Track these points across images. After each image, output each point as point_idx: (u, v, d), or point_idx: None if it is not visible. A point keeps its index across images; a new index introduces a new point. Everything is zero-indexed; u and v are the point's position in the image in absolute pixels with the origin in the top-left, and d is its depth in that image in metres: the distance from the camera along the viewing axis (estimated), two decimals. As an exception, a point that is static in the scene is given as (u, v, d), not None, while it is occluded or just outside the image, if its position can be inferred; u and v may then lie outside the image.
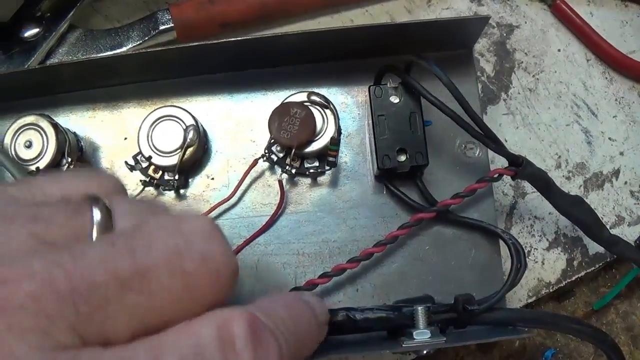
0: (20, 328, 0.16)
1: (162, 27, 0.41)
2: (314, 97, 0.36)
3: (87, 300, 0.17)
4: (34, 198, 0.21)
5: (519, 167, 0.36)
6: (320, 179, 0.38)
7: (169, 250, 0.19)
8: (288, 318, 0.24)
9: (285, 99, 0.37)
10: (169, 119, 0.36)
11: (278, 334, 0.22)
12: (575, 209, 0.39)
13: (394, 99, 0.36)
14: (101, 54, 0.41)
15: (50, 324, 0.17)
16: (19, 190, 0.21)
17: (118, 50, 0.41)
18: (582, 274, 0.42)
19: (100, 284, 0.18)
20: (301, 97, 0.37)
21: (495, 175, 0.36)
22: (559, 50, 0.45)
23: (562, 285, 0.42)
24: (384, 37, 0.37)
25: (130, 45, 0.41)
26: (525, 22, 0.46)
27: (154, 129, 0.36)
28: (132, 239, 0.19)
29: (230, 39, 0.35)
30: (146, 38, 0.41)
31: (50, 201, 0.21)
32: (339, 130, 0.37)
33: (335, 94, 0.39)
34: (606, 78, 0.45)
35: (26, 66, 0.40)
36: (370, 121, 0.36)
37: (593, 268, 0.42)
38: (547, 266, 0.41)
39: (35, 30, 0.41)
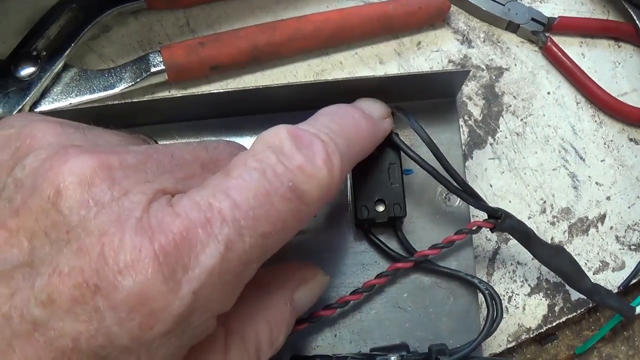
0: (135, 178, 0.23)
1: (153, 70, 0.42)
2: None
3: (181, 170, 0.26)
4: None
5: (498, 220, 0.36)
6: (302, 225, 0.38)
7: (228, 150, 0.29)
8: (330, 121, 0.28)
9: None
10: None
11: (321, 134, 0.26)
12: (555, 259, 0.39)
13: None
14: (94, 95, 0.42)
15: (154, 177, 0.24)
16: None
17: (110, 92, 0.42)
18: (563, 319, 0.42)
19: (188, 162, 0.26)
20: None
21: (474, 228, 0.37)
22: (548, 93, 0.45)
23: (542, 330, 0.42)
24: (368, 87, 0.37)
25: (122, 86, 0.42)
26: (515, 65, 0.46)
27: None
28: (203, 143, 0.28)
29: (220, 90, 0.36)
30: (138, 80, 0.42)
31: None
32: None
33: (318, 142, 0.39)
34: (595, 121, 0.45)
35: (20, 106, 0.41)
36: (350, 171, 0.37)
37: (574, 314, 0.42)
38: (527, 312, 0.42)
39: (31, 69, 0.42)
